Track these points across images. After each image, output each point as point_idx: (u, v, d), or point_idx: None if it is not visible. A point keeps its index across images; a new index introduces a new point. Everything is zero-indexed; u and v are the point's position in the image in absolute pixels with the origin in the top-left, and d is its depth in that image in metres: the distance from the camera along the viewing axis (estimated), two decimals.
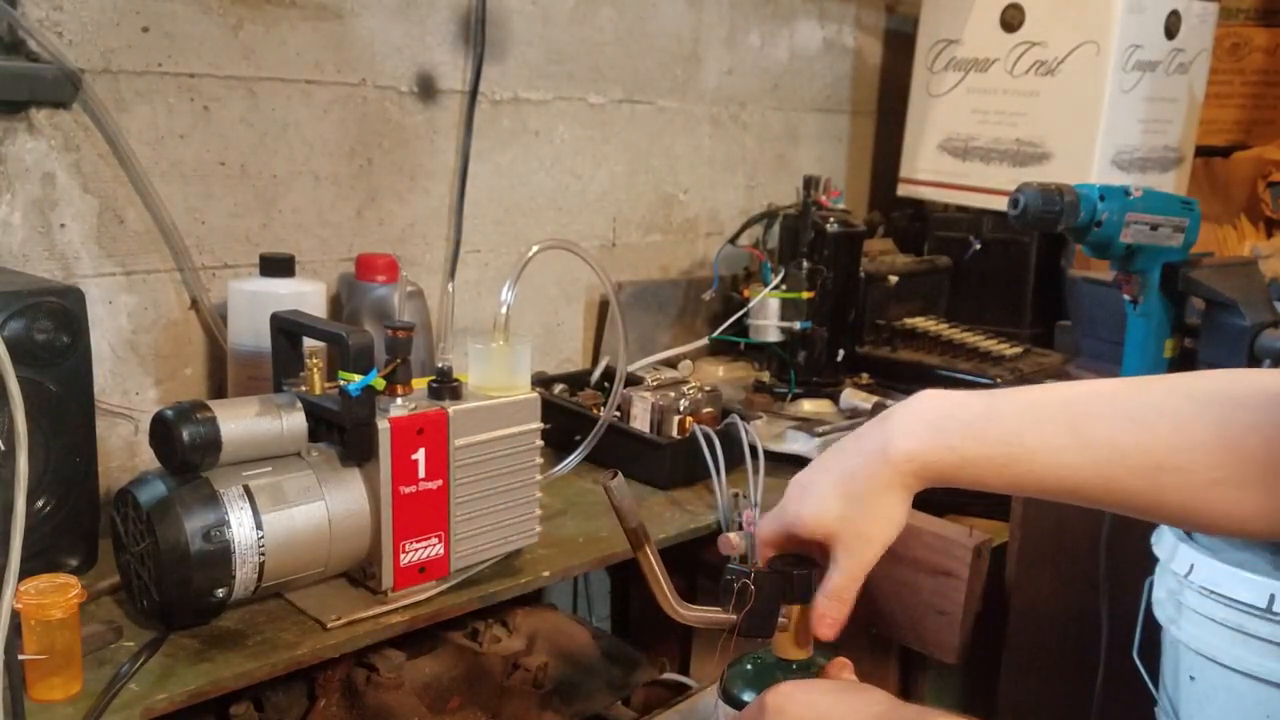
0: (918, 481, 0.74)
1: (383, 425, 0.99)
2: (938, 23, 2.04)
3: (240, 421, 0.96)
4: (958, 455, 0.72)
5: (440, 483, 1.04)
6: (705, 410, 1.42)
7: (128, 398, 1.25)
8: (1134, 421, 0.70)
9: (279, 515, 0.96)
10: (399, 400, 1.02)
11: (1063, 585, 1.46)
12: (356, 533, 1.01)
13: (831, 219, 1.72)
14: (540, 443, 1.12)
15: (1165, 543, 1.24)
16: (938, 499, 0.77)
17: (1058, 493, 0.72)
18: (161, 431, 0.93)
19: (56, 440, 0.99)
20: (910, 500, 0.75)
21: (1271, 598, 1.11)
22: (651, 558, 0.76)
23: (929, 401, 0.75)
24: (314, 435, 1.02)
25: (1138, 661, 1.31)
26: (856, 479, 0.74)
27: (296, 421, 1.00)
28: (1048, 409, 0.72)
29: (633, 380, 1.53)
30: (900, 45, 2.18)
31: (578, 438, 1.29)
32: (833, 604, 0.75)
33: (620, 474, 0.76)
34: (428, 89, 1.49)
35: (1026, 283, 1.99)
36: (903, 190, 2.13)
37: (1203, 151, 2.14)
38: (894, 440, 0.73)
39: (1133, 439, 0.69)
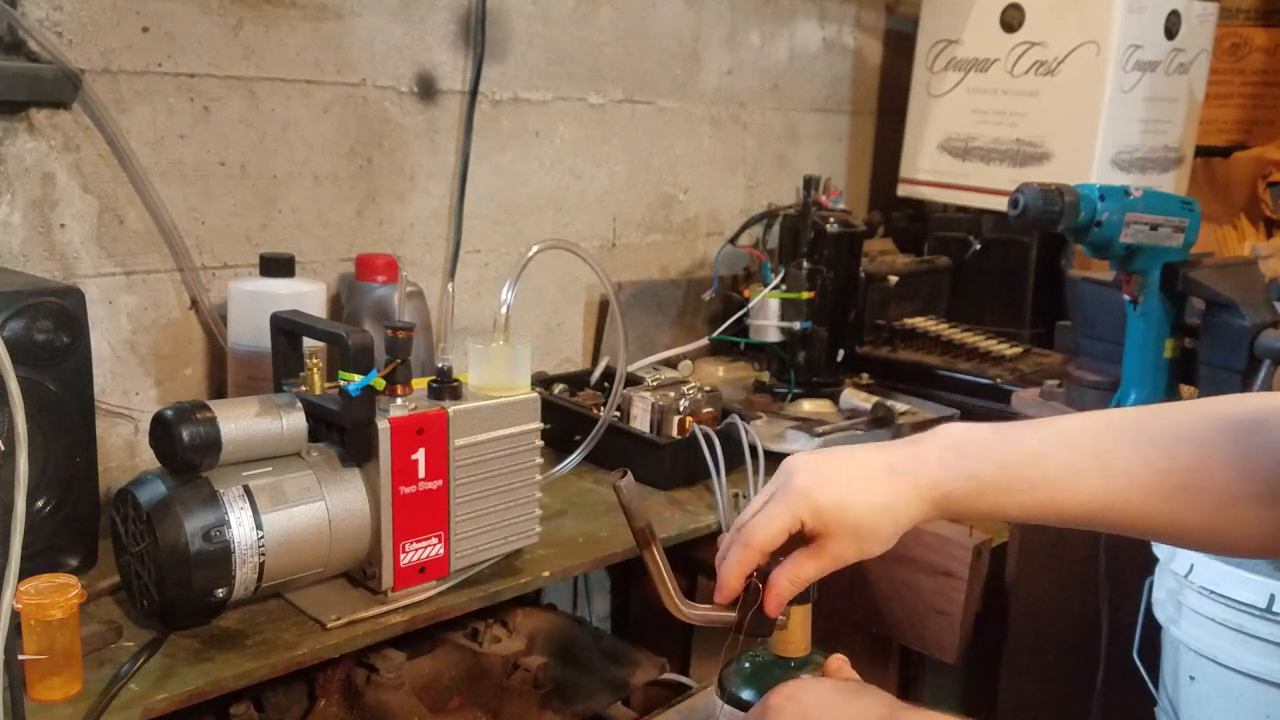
0: (936, 510, 0.75)
1: (382, 425, 0.99)
2: (938, 23, 2.04)
3: (240, 421, 0.96)
4: (979, 482, 0.73)
5: (440, 483, 1.04)
6: (705, 410, 1.42)
7: (128, 398, 1.25)
8: (1154, 445, 0.71)
9: (279, 515, 0.96)
10: (399, 400, 1.02)
11: (1063, 585, 1.46)
12: (356, 533, 1.01)
13: (831, 219, 1.72)
14: (540, 443, 1.12)
15: None
16: None
17: (1076, 519, 0.73)
18: (161, 431, 0.93)
19: (56, 440, 0.99)
20: (914, 524, 0.75)
21: (1271, 598, 1.11)
22: (658, 557, 0.76)
23: (955, 432, 0.76)
24: (314, 435, 1.02)
25: (1138, 661, 1.31)
26: (883, 494, 0.74)
27: (296, 421, 1.00)
28: (1067, 436, 0.74)
29: (633, 380, 1.53)
30: (900, 45, 2.18)
31: (578, 438, 1.29)
32: (794, 588, 0.75)
33: (630, 473, 0.76)
34: (428, 89, 1.49)
35: (1026, 283, 1.99)
36: (903, 190, 2.13)
37: (1203, 151, 2.14)
38: (925, 467, 0.74)
39: (1152, 462, 0.70)
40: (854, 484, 0.75)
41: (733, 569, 0.75)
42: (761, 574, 0.76)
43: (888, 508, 0.74)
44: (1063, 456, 0.72)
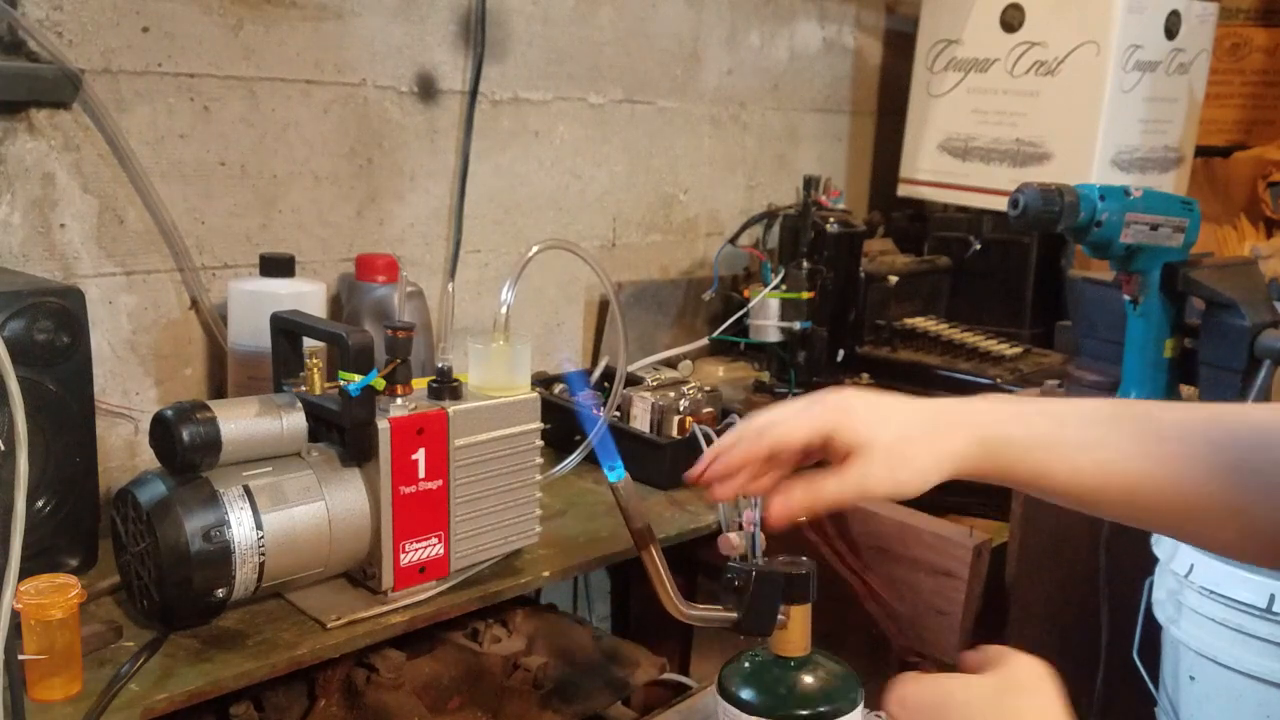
0: (981, 452, 0.72)
1: (382, 425, 0.99)
2: (938, 23, 2.04)
3: (240, 421, 0.96)
4: (1030, 436, 0.72)
5: (440, 483, 1.04)
6: (705, 410, 1.42)
7: (128, 398, 1.25)
8: (1164, 440, 0.71)
9: (279, 515, 0.96)
10: (399, 400, 1.02)
11: (1063, 585, 1.46)
12: (356, 533, 1.01)
13: (831, 219, 1.72)
14: (540, 443, 1.12)
15: (1165, 543, 1.24)
16: (938, 499, 0.76)
17: (1080, 490, 0.73)
18: (161, 431, 0.93)
19: (56, 440, 0.99)
20: (948, 475, 0.73)
21: (1271, 598, 1.11)
22: (656, 557, 0.76)
23: (989, 399, 0.76)
24: (314, 435, 1.02)
25: (1138, 661, 1.31)
26: (926, 422, 0.72)
27: (296, 421, 1.00)
28: (1115, 418, 0.73)
29: (633, 380, 1.53)
30: (900, 45, 2.18)
31: (577, 438, 1.29)
32: (807, 499, 0.72)
33: (628, 474, 0.76)
34: (428, 89, 1.49)
35: (1026, 283, 1.99)
36: (903, 190, 2.13)
37: (1203, 151, 2.14)
38: (974, 413, 0.73)
39: (1200, 456, 0.70)
40: (896, 409, 0.72)
41: (726, 450, 0.73)
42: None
43: (931, 434, 0.71)
44: (1080, 428, 0.72)
